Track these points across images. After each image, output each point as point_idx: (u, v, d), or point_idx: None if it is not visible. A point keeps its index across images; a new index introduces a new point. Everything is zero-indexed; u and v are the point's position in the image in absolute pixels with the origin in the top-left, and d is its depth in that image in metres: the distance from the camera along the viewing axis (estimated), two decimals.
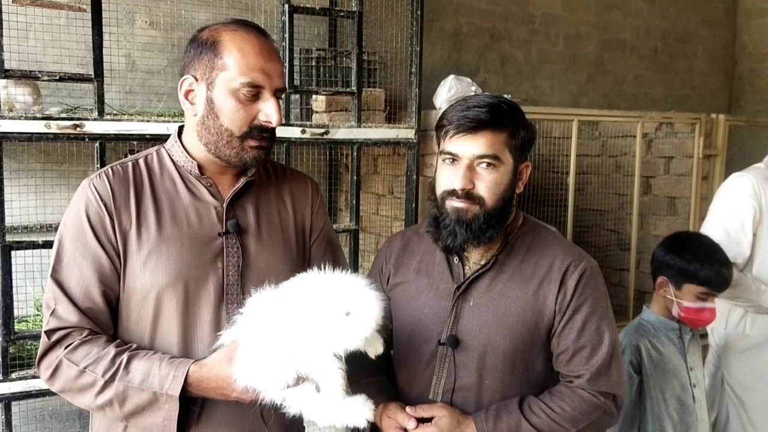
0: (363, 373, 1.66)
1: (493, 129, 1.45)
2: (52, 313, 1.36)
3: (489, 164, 1.45)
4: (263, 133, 1.41)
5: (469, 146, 1.46)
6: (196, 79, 1.40)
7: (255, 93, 1.38)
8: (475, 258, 1.55)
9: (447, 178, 1.49)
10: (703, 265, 2.20)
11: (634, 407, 2.22)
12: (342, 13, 2.96)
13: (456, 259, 1.56)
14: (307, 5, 2.78)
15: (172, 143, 1.49)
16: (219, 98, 1.38)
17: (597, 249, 3.74)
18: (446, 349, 1.52)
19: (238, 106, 1.37)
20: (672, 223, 3.60)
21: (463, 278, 1.54)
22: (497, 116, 1.45)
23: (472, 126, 1.44)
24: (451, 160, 1.49)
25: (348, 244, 2.93)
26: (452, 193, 1.48)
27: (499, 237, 1.54)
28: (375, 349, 1.36)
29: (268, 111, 1.39)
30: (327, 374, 1.24)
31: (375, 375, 1.65)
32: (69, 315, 1.35)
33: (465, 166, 1.46)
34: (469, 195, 1.46)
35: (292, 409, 1.28)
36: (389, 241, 1.76)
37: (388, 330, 1.71)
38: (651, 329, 2.26)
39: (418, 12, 2.96)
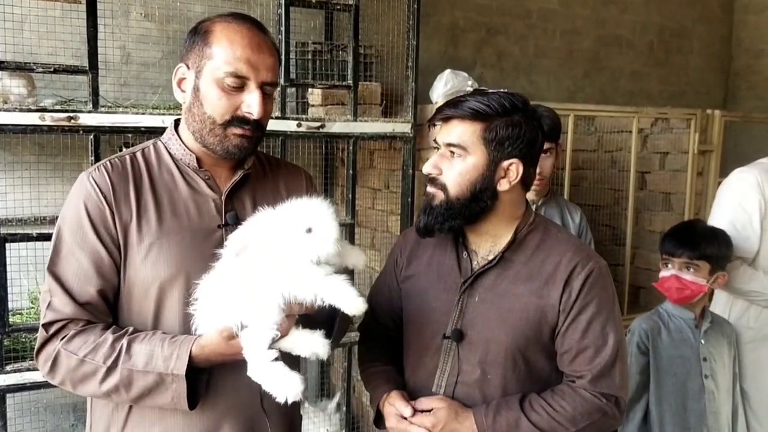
0: (374, 362, 1.69)
1: (464, 119, 1.47)
2: (49, 305, 1.36)
3: (455, 153, 1.49)
4: (245, 124, 1.41)
5: (443, 134, 1.52)
6: (188, 68, 1.42)
7: (240, 84, 1.39)
8: (483, 253, 1.57)
9: None
10: (666, 232, 2.40)
11: (642, 388, 2.31)
12: (338, 7, 2.95)
13: (464, 254, 1.57)
14: None
15: (169, 136, 1.50)
16: (204, 86, 1.39)
17: (594, 246, 3.73)
18: (450, 342, 1.54)
19: (221, 95, 1.38)
20: (667, 218, 3.60)
21: (470, 273, 1.55)
22: (471, 108, 1.46)
23: (444, 115, 1.50)
24: (437, 149, 1.55)
25: (344, 238, 2.93)
26: (425, 178, 1.55)
27: (507, 233, 1.55)
28: (361, 260, 1.43)
29: (250, 102, 1.39)
30: (328, 283, 1.27)
31: (385, 364, 1.69)
32: (65, 307, 1.35)
33: (437, 154, 1.53)
34: (433, 180, 1.52)
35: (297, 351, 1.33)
36: (405, 233, 1.80)
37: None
38: (665, 315, 2.37)
39: (415, 6, 2.96)
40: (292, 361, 1.33)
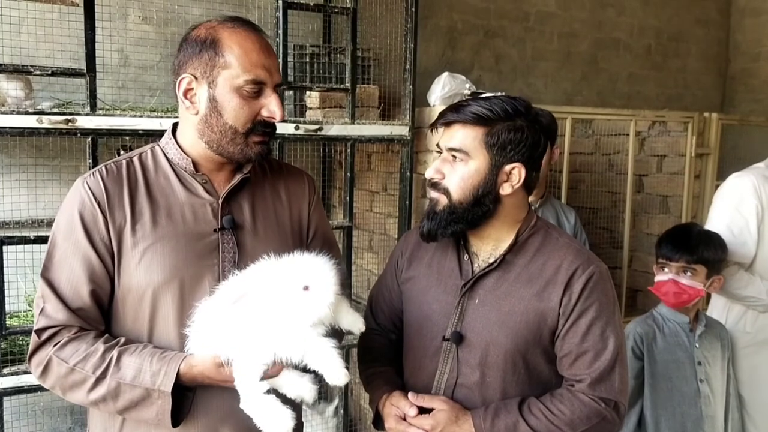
0: (373, 363, 1.70)
1: (466, 124, 1.49)
2: (41, 311, 1.36)
3: (457, 158, 1.50)
4: (266, 129, 1.43)
5: (445, 139, 1.53)
6: (196, 78, 1.40)
7: (257, 89, 1.39)
8: (484, 256, 1.57)
9: None
10: (661, 236, 2.40)
11: (636, 392, 2.30)
12: (336, 10, 2.95)
13: (466, 257, 1.58)
14: (302, 1, 2.77)
15: (166, 141, 1.50)
16: (222, 96, 1.39)
17: (589, 247, 3.74)
18: (450, 345, 1.54)
19: (242, 103, 1.39)
20: (664, 221, 3.61)
21: (470, 275, 1.55)
22: (473, 112, 1.47)
23: (447, 120, 1.51)
24: (439, 153, 1.56)
25: (341, 240, 2.94)
26: (428, 183, 1.56)
27: (509, 236, 1.55)
28: (357, 327, 1.40)
29: (272, 107, 1.41)
30: (316, 348, 1.26)
31: (385, 365, 1.69)
32: (57, 313, 1.35)
33: (440, 159, 1.54)
34: (435, 185, 1.53)
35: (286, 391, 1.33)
36: (406, 235, 1.81)
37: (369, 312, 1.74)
38: (660, 319, 2.37)
39: (413, 9, 2.96)
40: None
